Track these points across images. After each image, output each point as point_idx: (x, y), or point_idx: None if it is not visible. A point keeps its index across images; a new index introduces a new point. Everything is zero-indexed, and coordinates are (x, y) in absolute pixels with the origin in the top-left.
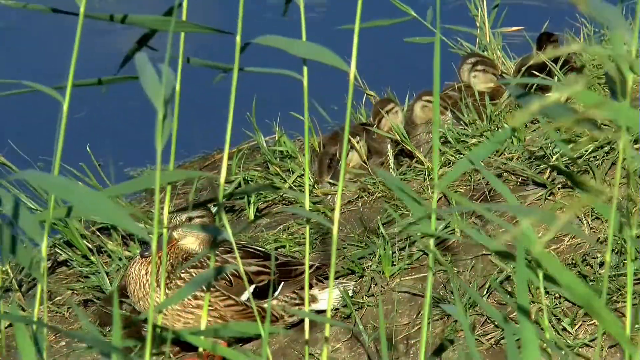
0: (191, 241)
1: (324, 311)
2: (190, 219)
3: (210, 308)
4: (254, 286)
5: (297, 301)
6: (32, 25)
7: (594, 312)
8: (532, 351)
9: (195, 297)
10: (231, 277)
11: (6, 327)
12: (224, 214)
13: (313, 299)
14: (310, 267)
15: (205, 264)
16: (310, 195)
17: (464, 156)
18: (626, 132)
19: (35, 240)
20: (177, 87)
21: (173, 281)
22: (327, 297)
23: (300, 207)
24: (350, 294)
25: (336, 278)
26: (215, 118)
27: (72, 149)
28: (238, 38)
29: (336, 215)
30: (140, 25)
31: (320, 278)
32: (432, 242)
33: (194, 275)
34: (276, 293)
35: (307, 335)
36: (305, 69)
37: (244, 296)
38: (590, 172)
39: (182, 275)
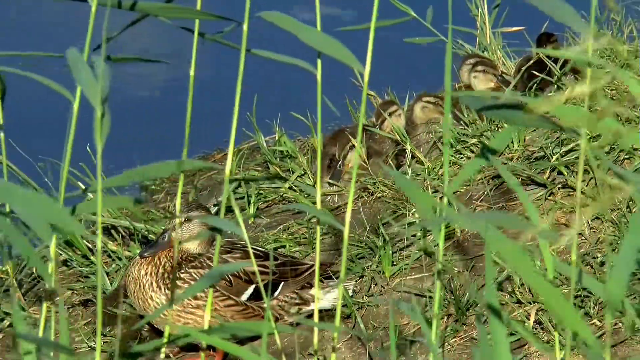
0: (191, 241)
1: (325, 311)
2: (189, 219)
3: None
4: (253, 286)
5: (297, 301)
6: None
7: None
8: (503, 353)
9: (195, 298)
10: (231, 277)
11: (6, 327)
12: (238, 210)
13: (313, 299)
14: (311, 267)
15: (205, 264)
16: (309, 195)
17: (463, 156)
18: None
19: (44, 240)
20: (192, 72)
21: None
22: (329, 297)
23: (306, 206)
24: (350, 294)
25: (336, 278)
26: (215, 118)
27: (72, 149)
28: (245, 26)
29: (347, 217)
30: (150, 13)
31: (321, 278)
32: (442, 240)
33: (194, 275)
34: (276, 293)
35: (315, 345)
36: (319, 62)
37: (244, 296)
38: (591, 172)
39: (182, 275)
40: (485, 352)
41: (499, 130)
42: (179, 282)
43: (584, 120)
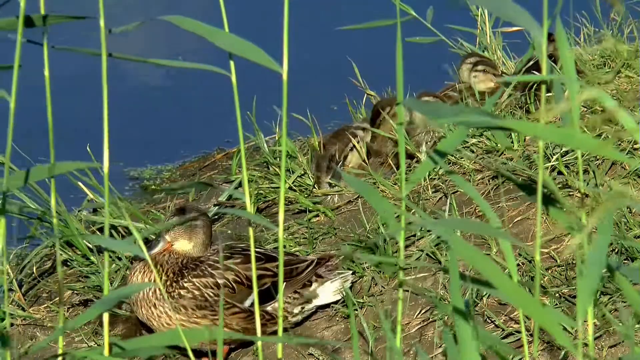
0: (184, 243)
1: (325, 305)
2: (182, 221)
3: (215, 317)
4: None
5: (300, 300)
6: None
7: (529, 312)
8: (470, 353)
9: (200, 307)
10: (234, 284)
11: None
12: (136, 231)
13: (316, 295)
14: (310, 263)
15: (207, 272)
16: (310, 195)
17: (464, 156)
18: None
19: None
20: (46, 73)
21: (176, 290)
22: (327, 291)
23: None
24: (349, 285)
25: (336, 272)
26: (215, 118)
27: (72, 149)
28: (102, 22)
29: (280, 217)
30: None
31: (319, 273)
32: (402, 244)
33: (196, 284)
34: (278, 295)
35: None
36: (232, 63)
37: (247, 302)
38: (591, 172)
39: (185, 284)
40: (452, 353)
41: (499, 130)
42: (182, 292)
43: (559, 137)
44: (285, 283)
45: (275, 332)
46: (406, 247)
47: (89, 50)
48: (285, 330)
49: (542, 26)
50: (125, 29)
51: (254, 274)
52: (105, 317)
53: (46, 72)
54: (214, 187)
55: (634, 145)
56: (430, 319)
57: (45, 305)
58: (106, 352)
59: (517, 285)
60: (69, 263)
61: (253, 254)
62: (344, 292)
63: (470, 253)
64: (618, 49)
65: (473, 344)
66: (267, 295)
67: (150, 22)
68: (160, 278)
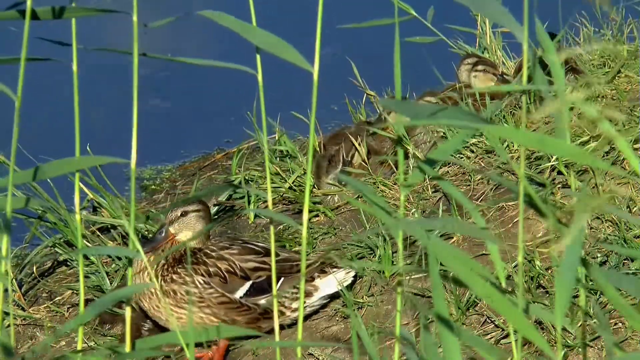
0: (187, 235)
1: (322, 309)
2: (185, 213)
3: (203, 305)
4: (249, 283)
5: (298, 295)
6: None
7: (500, 311)
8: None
9: (188, 293)
10: (226, 274)
11: (6, 327)
12: (134, 236)
13: (315, 289)
14: (313, 263)
15: (201, 260)
16: (310, 195)
17: (463, 156)
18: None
19: None
20: (74, 68)
21: (169, 274)
22: (326, 283)
23: (259, 209)
24: (349, 282)
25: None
26: (215, 118)
27: (72, 148)
28: (135, 17)
29: (305, 217)
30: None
31: (323, 269)
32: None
33: (190, 270)
34: (300, 295)
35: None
36: (258, 56)
37: (239, 293)
38: (590, 171)
39: (179, 270)
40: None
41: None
42: (174, 276)
43: (535, 144)
44: (283, 278)
45: (271, 329)
46: (405, 247)
47: (122, 50)
48: (282, 328)
49: (524, 26)
50: (160, 24)
51: (273, 274)
52: (128, 310)
53: (74, 67)
54: (239, 188)
55: (634, 145)
56: (430, 319)
57: (45, 305)
58: (127, 347)
59: (496, 291)
60: (68, 263)
61: (273, 254)
62: (346, 284)
63: (451, 257)
64: (618, 49)
65: (456, 350)
66: (262, 289)
67: (126, 16)
68: (159, 263)
